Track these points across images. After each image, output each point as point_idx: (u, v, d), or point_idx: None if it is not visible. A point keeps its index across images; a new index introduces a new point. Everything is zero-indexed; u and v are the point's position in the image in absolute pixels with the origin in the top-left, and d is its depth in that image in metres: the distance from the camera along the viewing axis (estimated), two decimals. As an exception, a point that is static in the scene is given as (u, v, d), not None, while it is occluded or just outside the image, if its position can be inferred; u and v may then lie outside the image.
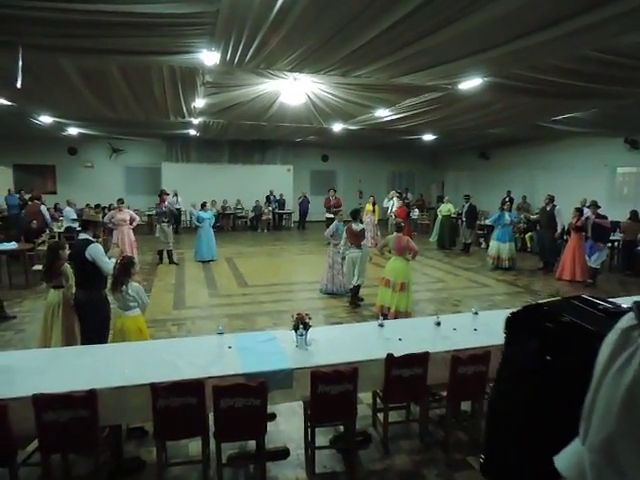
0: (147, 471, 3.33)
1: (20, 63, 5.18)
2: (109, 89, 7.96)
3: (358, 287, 7.64)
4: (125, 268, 4.08)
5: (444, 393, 3.73)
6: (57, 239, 10.55)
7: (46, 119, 11.94)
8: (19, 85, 5.46)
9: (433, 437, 3.81)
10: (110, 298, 4.44)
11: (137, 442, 3.65)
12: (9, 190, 16.10)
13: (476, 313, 4.40)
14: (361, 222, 7.97)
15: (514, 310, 1.46)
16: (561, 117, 10.45)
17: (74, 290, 4.50)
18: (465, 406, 4.11)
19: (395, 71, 6.66)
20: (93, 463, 3.05)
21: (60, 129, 14.26)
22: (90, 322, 4.20)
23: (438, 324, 4.07)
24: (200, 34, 4.99)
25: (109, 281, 4.30)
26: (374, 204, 14.43)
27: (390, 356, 3.37)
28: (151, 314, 7.06)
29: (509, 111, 9.62)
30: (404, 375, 3.40)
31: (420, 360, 3.44)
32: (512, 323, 1.61)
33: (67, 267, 4.66)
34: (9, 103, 9.33)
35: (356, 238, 7.58)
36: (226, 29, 4.89)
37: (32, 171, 18.13)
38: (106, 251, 4.62)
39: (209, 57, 5.84)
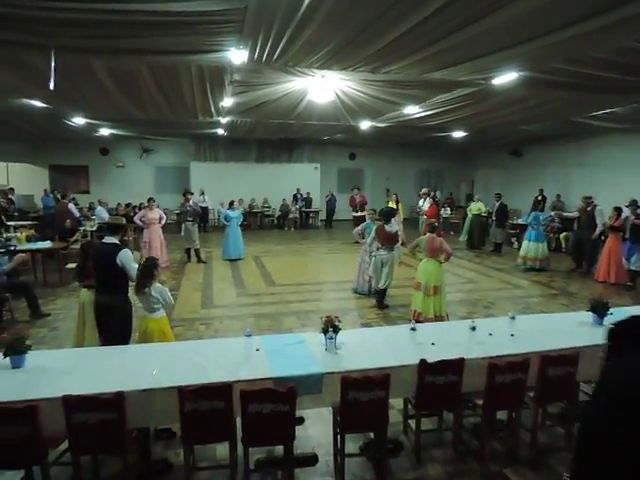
0: (175, 473, 3.30)
1: (53, 65, 5.25)
2: (139, 90, 8.05)
3: (385, 290, 7.44)
4: (148, 270, 4.03)
5: (479, 401, 3.57)
6: (89, 238, 10.78)
7: (79, 120, 12.22)
8: (52, 87, 5.55)
9: (467, 447, 3.66)
10: (134, 300, 4.43)
11: (165, 443, 3.63)
12: (45, 190, 16.59)
13: (513, 317, 4.21)
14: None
15: (621, 319, 1.22)
16: (599, 113, 10.04)
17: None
18: (500, 414, 3.94)
19: (426, 66, 6.49)
20: (122, 464, 3.03)
21: (93, 130, 14.59)
22: (113, 326, 4.15)
23: (473, 329, 3.90)
24: (228, 32, 4.95)
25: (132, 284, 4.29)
26: (397, 202, 14.20)
27: (423, 362, 3.24)
28: (179, 313, 7.12)
29: (545, 107, 9.27)
30: (438, 382, 3.27)
31: (455, 366, 3.29)
32: (617, 335, 1.30)
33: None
34: (45, 105, 9.57)
35: (388, 240, 7.27)
36: (254, 26, 4.84)
37: (66, 171, 18.63)
38: (137, 249, 4.63)
39: (237, 55, 5.81)
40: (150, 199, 10.72)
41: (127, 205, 14.84)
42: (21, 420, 2.63)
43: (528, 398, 3.57)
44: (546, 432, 3.88)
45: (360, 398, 3.02)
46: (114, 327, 4.14)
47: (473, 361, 3.39)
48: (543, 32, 5.09)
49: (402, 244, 8.16)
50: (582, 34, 4.98)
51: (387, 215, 7.45)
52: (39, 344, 5.82)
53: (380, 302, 7.40)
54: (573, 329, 4.10)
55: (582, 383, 3.93)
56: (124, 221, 4.79)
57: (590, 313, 4.27)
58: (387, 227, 7.27)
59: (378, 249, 7.32)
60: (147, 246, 10.14)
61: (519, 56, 5.99)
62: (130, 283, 4.31)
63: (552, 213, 11.97)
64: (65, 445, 3.02)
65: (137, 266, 4.22)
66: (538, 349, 3.58)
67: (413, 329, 3.90)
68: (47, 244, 9.15)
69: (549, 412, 4.03)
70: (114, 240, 4.39)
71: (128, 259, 4.20)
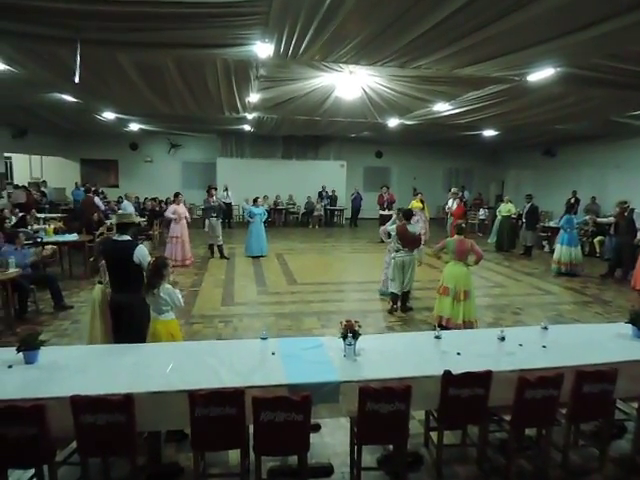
0: (185, 478, 3.21)
1: (78, 58, 5.24)
2: (165, 84, 8.05)
3: (408, 293, 7.18)
4: (157, 270, 3.85)
5: (506, 416, 3.34)
6: (114, 230, 10.89)
7: (109, 115, 12.38)
8: (77, 80, 5.54)
9: (492, 464, 3.44)
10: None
11: (176, 446, 3.54)
12: (76, 183, 16.95)
13: (545, 328, 3.96)
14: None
15: None
16: (641, 112, 9.54)
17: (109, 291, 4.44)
18: (528, 430, 3.70)
19: (458, 61, 6.23)
20: (131, 466, 2.95)
21: (122, 125, 14.80)
22: (129, 327, 4.05)
23: (502, 339, 3.67)
24: (254, 24, 4.83)
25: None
26: (422, 201, 13.88)
27: (448, 373, 3.04)
28: (199, 309, 7.08)
29: (582, 105, 8.85)
30: (463, 395, 3.06)
31: (482, 379, 3.08)
32: None
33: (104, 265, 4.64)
34: (75, 100, 9.70)
35: (411, 242, 6.93)
36: (280, 18, 4.71)
37: (97, 165, 19.01)
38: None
39: (263, 49, 5.70)
40: (177, 194, 10.68)
41: (153, 199, 14.97)
42: (29, 419, 2.57)
43: (560, 415, 3.33)
44: (578, 452, 3.62)
45: (379, 410, 2.85)
46: (130, 328, 4.01)
47: (501, 374, 3.17)
48: (585, 24, 4.78)
49: (423, 244, 7.83)
50: (626, 26, 4.65)
51: (406, 215, 7.08)
52: (61, 336, 5.87)
53: (404, 305, 7.16)
54: (610, 342, 3.82)
55: (619, 400, 3.66)
56: (134, 218, 4.68)
57: (629, 325, 3.97)
58: (409, 227, 6.91)
59: (398, 250, 6.91)
60: (179, 241, 10.08)
61: (558, 50, 5.67)
62: None
63: (587, 217, 11.45)
64: (75, 444, 2.96)
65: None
66: (572, 363, 3.33)
67: (438, 337, 3.70)
68: (73, 237, 9.26)
69: (582, 430, 3.77)
70: (128, 237, 4.30)
71: (145, 255, 4.11)
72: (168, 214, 10.39)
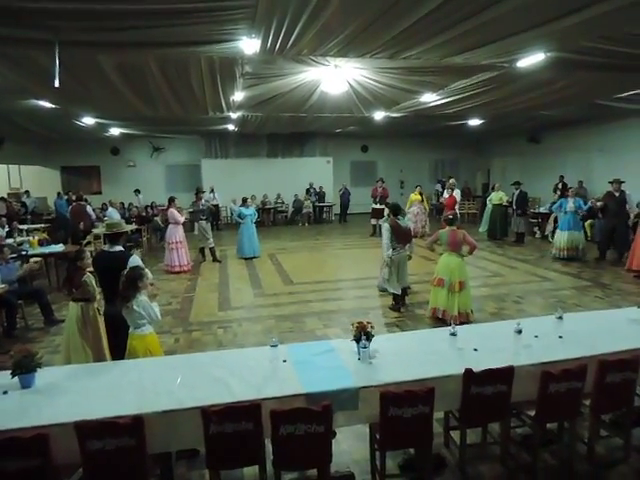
0: (200, 498, 3.05)
1: (57, 61, 5.00)
2: (148, 86, 7.81)
3: (406, 289, 7.03)
4: (131, 281, 3.59)
5: (528, 411, 3.24)
6: (102, 240, 10.60)
7: (89, 120, 12.04)
8: (57, 84, 5.30)
9: (517, 461, 3.34)
10: None
11: (187, 464, 3.37)
12: (59, 193, 16.46)
13: (560, 317, 3.88)
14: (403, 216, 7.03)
15: None
16: (626, 94, 9.54)
17: (102, 303, 4.25)
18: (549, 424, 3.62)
19: (448, 50, 6.12)
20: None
21: (103, 130, 14.42)
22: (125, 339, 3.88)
23: (519, 332, 3.56)
24: (240, 19, 4.65)
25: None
26: (421, 193, 13.84)
27: (469, 372, 2.93)
28: (196, 316, 6.89)
29: (570, 89, 8.81)
30: (485, 393, 2.96)
31: (504, 376, 2.98)
32: None
33: (89, 277, 4.44)
34: (53, 106, 9.37)
35: (405, 236, 6.78)
36: (267, 12, 4.53)
37: (78, 172, 18.55)
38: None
39: (249, 45, 5.51)
40: (173, 198, 10.25)
41: (148, 206, 14.71)
42: (31, 450, 2.39)
43: (582, 406, 3.25)
44: (601, 442, 3.54)
45: (402, 414, 2.72)
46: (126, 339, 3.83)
47: (522, 369, 3.07)
48: (574, 8, 4.71)
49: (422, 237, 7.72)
50: (617, 8, 4.58)
51: (395, 208, 6.82)
52: (54, 352, 5.62)
53: (402, 300, 7.03)
54: (626, 328, 3.75)
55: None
56: (124, 226, 4.50)
57: (642, 309, 3.91)
58: (401, 222, 6.74)
59: (395, 248, 6.61)
60: (180, 246, 9.77)
61: (549, 35, 5.59)
62: None
63: (591, 201, 11.35)
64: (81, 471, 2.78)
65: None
66: (592, 353, 3.25)
67: (453, 334, 3.58)
68: (60, 247, 8.97)
69: (602, 419, 3.69)
70: (120, 247, 4.15)
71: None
72: (178, 218, 9.92)
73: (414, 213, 13.42)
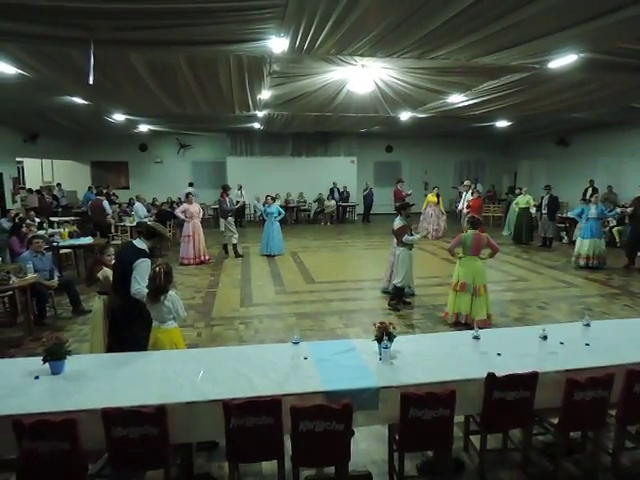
0: (218, 489, 3.10)
1: (92, 59, 5.14)
2: (177, 84, 7.93)
3: (402, 289, 7.01)
4: (169, 275, 3.64)
5: (551, 419, 3.19)
6: (129, 234, 10.84)
7: (119, 117, 12.31)
8: (91, 81, 5.44)
9: (537, 468, 3.29)
10: None
11: (207, 455, 3.43)
12: (89, 187, 16.88)
13: (587, 324, 3.80)
14: (407, 217, 6.92)
15: None
16: (662, 97, 9.26)
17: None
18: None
19: (478, 50, 6.03)
20: (164, 478, 2.85)
21: (132, 126, 14.73)
22: (130, 332, 3.86)
23: (544, 338, 3.50)
24: (270, 18, 4.68)
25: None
26: (438, 195, 13.70)
27: (491, 376, 2.90)
28: (219, 311, 6.98)
29: (603, 91, 8.58)
30: (508, 398, 2.92)
31: (527, 381, 2.93)
32: None
33: (105, 272, 4.49)
34: (86, 102, 9.62)
35: (397, 235, 6.89)
36: (297, 11, 4.55)
37: (107, 167, 18.99)
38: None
39: (278, 44, 5.55)
40: (188, 194, 10.75)
41: (165, 203, 14.94)
42: (60, 434, 2.47)
43: (608, 417, 3.17)
44: (626, 454, 3.45)
45: (422, 416, 2.71)
46: (131, 334, 3.84)
47: (547, 375, 3.03)
48: (613, 7, 4.58)
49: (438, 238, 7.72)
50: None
51: (397, 208, 7.11)
52: (81, 341, 5.78)
53: (398, 299, 7.06)
54: (656, 338, 3.65)
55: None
56: (163, 230, 4.32)
57: (674, 320, 3.79)
58: (396, 221, 6.88)
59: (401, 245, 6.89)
60: (191, 240, 10.16)
61: (583, 35, 5.46)
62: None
63: (619, 210, 11.07)
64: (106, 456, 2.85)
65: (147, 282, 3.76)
66: (620, 362, 3.18)
67: (476, 337, 3.54)
68: (89, 240, 9.21)
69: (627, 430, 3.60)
70: (144, 246, 4.03)
71: (142, 271, 3.81)
72: (178, 213, 10.57)
73: (428, 214, 13.34)
